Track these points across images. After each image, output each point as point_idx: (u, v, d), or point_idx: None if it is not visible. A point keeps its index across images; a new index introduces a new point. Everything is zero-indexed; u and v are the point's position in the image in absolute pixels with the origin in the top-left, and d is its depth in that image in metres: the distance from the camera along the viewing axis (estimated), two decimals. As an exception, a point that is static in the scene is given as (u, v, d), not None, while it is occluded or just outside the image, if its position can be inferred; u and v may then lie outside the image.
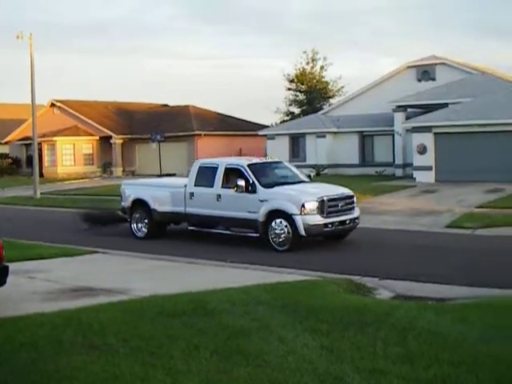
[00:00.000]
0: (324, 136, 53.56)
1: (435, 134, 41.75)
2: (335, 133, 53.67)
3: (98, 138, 65.76)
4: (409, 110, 48.64)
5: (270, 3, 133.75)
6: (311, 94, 73.97)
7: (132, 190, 24.17)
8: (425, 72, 52.38)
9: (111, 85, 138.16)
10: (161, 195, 22.76)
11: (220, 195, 20.94)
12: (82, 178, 60.74)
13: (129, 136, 65.13)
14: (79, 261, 18.60)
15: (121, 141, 65.27)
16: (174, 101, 77.14)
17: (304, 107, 74.09)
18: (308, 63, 75.15)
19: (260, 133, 58.64)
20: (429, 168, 41.14)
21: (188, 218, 22.27)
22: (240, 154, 60.01)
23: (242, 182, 20.07)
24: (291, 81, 75.33)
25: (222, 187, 21.00)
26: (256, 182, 20.20)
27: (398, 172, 48.09)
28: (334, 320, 10.52)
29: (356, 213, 20.66)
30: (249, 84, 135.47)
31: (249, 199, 20.13)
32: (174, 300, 12.28)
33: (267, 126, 65.22)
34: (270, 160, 23.61)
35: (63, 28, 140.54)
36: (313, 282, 14.53)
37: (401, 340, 9.36)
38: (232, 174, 21.06)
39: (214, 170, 21.43)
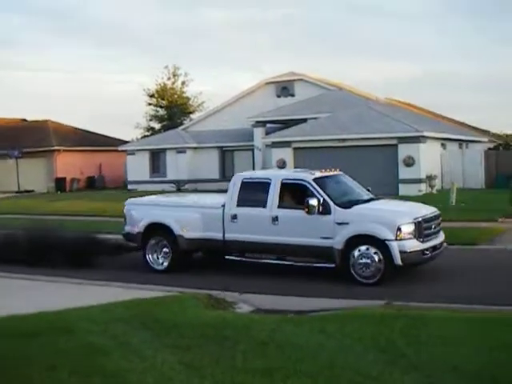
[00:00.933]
0: (184, 151, 53.77)
1: (294, 148, 42.57)
2: (195, 148, 53.96)
3: (-50, 155, 63.30)
4: (268, 125, 49.44)
5: (129, 18, 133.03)
6: (172, 110, 74.02)
7: (144, 211, 19.38)
8: (284, 88, 53.38)
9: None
10: (188, 218, 18.35)
11: (277, 217, 17.04)
12: None
13: (-16, 152, 62.96)
14: None
15: (-24, 157, 63.08)
16: (32, 115, 75.15)
17: (165, 122, 74.08)
18: (169, 78, 75.29)
19: (120, 148, 58.20)
20: (288, 182, 41.78)
21: (228, 246, 18.04)
22: (100, 169, 59.38)
23: (314, 201, 16.37)
24: (151, 96, 75.18)
25: (279, 207, 17.20)
26: (329, 200, 16.55)
27: (259, 186, 48.55)
28: (195, 335, 10.53)
29: (443, 235, 17.64)
30: (109, 99, 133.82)
31: (320, 222, 16.49)
32: (32, 320, 11.94)
33: (128, 142, 64.69)
34: (331, 173, 18.66)
35: None
36: (173, 297, 14.44)
37: (260, 353, 9.44)
38: (289, 190, 17.53)
39: (266, 185, 17.50)
